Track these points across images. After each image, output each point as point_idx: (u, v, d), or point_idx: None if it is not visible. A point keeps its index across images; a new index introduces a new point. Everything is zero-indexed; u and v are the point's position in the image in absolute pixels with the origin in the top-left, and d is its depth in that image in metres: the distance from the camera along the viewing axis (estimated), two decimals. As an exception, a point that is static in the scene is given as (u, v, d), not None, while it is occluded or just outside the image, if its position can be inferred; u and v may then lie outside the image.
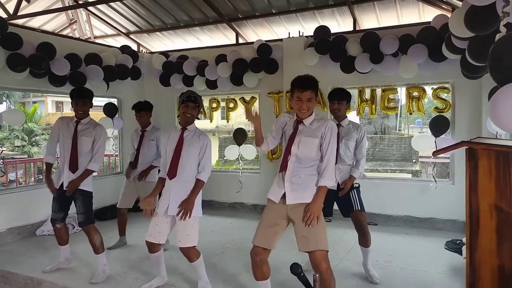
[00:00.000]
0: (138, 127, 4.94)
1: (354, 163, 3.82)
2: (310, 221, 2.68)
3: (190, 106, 3.36)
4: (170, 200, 3.30)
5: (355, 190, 3.78)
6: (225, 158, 15.64)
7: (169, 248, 4.52)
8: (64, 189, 3.85)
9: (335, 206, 3.86)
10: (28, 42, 5.09)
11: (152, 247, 3.45)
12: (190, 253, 3.39)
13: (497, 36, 2.41)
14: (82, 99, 3.86)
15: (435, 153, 2.82)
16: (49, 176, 3.96)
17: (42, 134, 19.87)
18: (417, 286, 3.63)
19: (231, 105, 6.96)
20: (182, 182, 3.33)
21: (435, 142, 5.19)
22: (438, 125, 5.23)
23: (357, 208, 3.71)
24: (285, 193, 2.82)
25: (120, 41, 7.77)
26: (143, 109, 4.78)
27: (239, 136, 6.50)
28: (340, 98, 3.82)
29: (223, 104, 7.24)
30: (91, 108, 4.01)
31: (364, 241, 3.73)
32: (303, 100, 2.77)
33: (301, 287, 1.73)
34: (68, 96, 4.05)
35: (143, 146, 4.82)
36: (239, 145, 6.51)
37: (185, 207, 3.28)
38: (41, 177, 10.47)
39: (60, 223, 4.04)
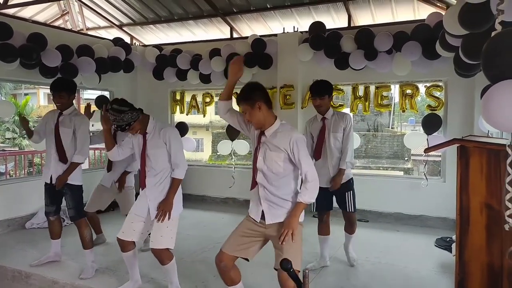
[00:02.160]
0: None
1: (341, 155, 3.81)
2: (283, 237, 2.43)
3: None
4: (149, 205, 3.18)
5: (351, 192, 3.84)
6: (218, 153, 15.62)
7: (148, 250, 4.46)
8: (53, 183, 3.80)
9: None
10: (18, 33, 5.01)
11: (124, 245, 3.26)
12: (162, 255, 3.19)
13: (493, 34, 2.41)
14: (57, 92, 3.76)
15: (427, 150, 2.83)
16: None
17: (34, 126, 19.62)
18: (407, 283, 3.66)
19: (225, 100, 6.91)
20: (156, 185, 3.17)
21: (427, 140, 5.21)
22: (431, 123, 5.25)
23: (350, 210, 3.86)
24: (263, 211, 2.61)
25: (113, 33, 7.68)
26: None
27: (232, 131, 6.48)
28: (321, 93, 3.74)
29: (216, 99, 7.20)
30: (73, 99, 3.92)
31: (349, 230, 3.99)
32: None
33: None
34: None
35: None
36: (232, 140, 6.49)
37: (163, 208, 3.12)
38: (31, 170, 10.40)
39: (54, 216, 4.02)
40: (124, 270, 3.90)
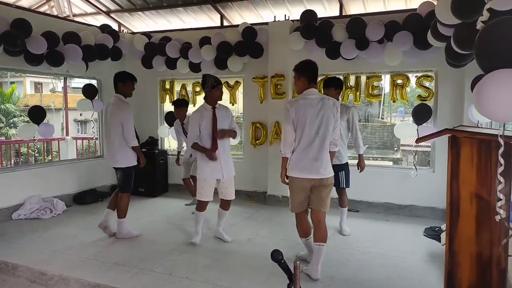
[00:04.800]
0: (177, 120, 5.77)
1: None
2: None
3: (221, 88, 4.25)
4: (223, 169, 4.19)
5: (343, 172, 4.61)
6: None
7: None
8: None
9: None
10: (1, 18, 4.87)
11: (205, 206, 4.31)
12: (229, 203, 4.46)
13: (479, 20, 2.39)
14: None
15: (418, 140, 2.82)
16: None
17: (20, 115, 19.28)
18: (396, 272, 3.68)
19: (215, 89, 6.83)
20: (225, 150, 4.24)
21: (417, 130, 5.22)
22: (421, 113, 5.25)
23: (342, 186, 4.66)
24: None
25: (100, 20, 7.51)
26: (183, 105, 5.71)
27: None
28: (328, 86, 4.45)
29: (206, 88, 7.11)
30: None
31: (341, 202, 4.75)
32: None
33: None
34: (47, 76, 3.90)
35: None
36: (222, 130, 6.43)
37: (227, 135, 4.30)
38: (18, 159, 10.22)
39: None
40: (112, 260, 3.87)
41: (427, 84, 5.43)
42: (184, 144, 5.85)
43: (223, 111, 4.30)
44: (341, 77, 5.86)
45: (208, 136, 4.19)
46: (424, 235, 4.72)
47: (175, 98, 7.06)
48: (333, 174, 3.55)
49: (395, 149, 18.45)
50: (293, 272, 1.65)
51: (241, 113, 6.88)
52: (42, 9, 7.29)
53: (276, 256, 1.67)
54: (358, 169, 4.73)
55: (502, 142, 1.86)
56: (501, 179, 1.87)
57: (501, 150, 1.87)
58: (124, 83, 4.43)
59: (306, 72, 3.52)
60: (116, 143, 4.37)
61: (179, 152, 5.97)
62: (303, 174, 3.45)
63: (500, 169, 1.87)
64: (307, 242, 3.73)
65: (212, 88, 4.17)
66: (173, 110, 5.86)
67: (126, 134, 4.33)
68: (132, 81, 4.49)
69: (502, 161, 1.87)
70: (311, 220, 3.64)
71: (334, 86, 4.39)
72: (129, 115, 4.36)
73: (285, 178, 3.62)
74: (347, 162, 4.66)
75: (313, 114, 3.42)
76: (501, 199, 1.86)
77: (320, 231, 3.52)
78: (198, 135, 4.23)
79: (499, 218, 1.85)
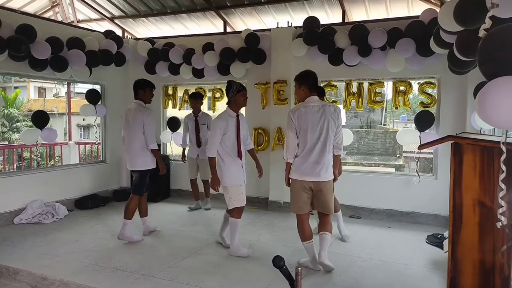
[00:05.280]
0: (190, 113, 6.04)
1: None
2: None
3: (245, 93, 4.17)
4: (244, 175, 4.20)
5: None
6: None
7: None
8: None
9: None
10: (7, 24, 4.90)
11: (242, 211, 4.21)
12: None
13: (482, 27, 2.39)
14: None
15: (421, 147, 2.81)
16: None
17: (24, 120, 19.37)
18: (398, 279, 3.66)
19: (218, 95, 6.86)
20: (244, 156, 4.28)
21: (419, 137, 5.22)
22: (423, 120, 5.25)
23: None
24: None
25: (104, 26, 7.57)
26: (199, 97, 5.96)
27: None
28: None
29: (209, 94, 7.14)
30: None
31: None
32: None
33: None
34: (51, 81, 3.96)
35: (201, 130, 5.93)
36: (225, 135, 6.44)
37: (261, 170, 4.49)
38: (21, 164, 10.24)
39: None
40: (114, 265, 3.86)
41: (429, 91, 5.43)
42: (189, 142, 6.09)
43: (242, 118, 4.27)
44: (344, 84, 5.89)
45: (233, 144, 4.13)
46: (426, 242, 4.69)
47: (177, 104, 7.13)
48: (332, 177, 3.76)
49: (398, 155, 18.41)
50: (294, 278, 1.65)
51: (244, 119, 6.88)
52: (47, 15, 7.36)
53: (278, 262, 1.67)
54: None
55: (504, 149, 1.86)
56: (503, 186, 1.86)
57: (503, 157, 1.87)
58: (144, 90, 4.68)
59: (307, 81, 3.73)
60: (137, 147, 4.57)
61: (184, 149, 6.08)
62: (304, 177, 3.64)
63: (502, 176, 1.87)
64: (309, 245, 3.77)
65: (237, 93, 4.09)
66: (176, 115, 5.99)
67: (147, 137, 4.54)
68: (151, 89, 4.76)
69: (504, 168, 1.86)
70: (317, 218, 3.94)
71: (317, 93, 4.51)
72: (151, 119, 4.60)
73: (289, 182, 3.80)
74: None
75: (315, 121, 3.61)
76: (502, 206, 1.86)
77: (326, 224, 3.79)
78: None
79: (500, 224, 1.84)
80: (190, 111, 6.18)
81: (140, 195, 4.68)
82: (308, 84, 3.72)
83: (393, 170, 16.24)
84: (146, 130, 4.52)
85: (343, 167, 4.24)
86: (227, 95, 4.22)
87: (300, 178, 3.64)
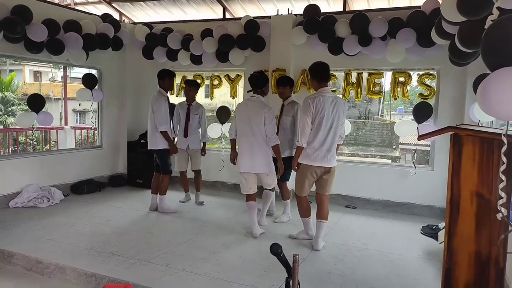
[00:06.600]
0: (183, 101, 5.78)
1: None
2: None
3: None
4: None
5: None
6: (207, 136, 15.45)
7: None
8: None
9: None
10: (2, 4, 4.81)
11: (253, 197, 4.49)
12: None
13: (489, 19, 2.36)
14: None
15: (421, 137, 2.80)
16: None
17: (19, 104, 19.18)
18: (393, 269, 3.68)
19: (216, 82, 6.79)
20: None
21: (417, 128, 5.21)
22: (422, 111, 5.24)
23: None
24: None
25: (102, 9, 7.45)
26: (194, 85, 5.76)
27: (223, 114, 6.39)
28: (284, 84, 4.92)
29: (207, 82, 7.07)
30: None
31: (282, 194, 5.07)
32: None
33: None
34: (46, 65, 3.92)
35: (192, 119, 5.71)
36: (222, 123, 6.41)
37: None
38: (16, 148, 10.18)
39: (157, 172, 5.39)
40: (109, 250, 3.86)
41: (428, 82, 5.40)
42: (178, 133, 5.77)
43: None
44: (343, 73, 5.84)
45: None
46: (421, 233, 4.72)
47: (175, 90, 7.03)
48: (336, 163, 4.06)
49: (394, 147, 18.46)
50: (291, 265, 1.65)
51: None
52: (43, -3, 7.21)
53: (275, 249, 1.66)
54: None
55: (505, 140, 1.85)
56: (503, 177, 1.85)
57: (503, 149, 1.86)
58: (163, 79, 5.22)
59: (315, 73, 4.05)
60: (151, 129, 5.17)
61: (174, 138, 5.51)
62: (316, 162, 3.95)
63: (502, 167, 1.86)
64: (307, 221, 4.27)
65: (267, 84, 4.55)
66: (173, 101, 5.81)
67: (156, 120, 5.05)
68: (171, 78, 5.33)
69: (504, 159, 1.86)
70: (315, 201, 4.19)
71: (289, 84, 4.96)
72: (161, 104, 5.08)
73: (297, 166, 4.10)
74: (290, 156, 4.62)
75: (329, 111, 3.92)
76: (502, 197, 1.85)
77: (322, 210, 4.09)
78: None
79: (501, 216, 1.84)
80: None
81: (169, 173, 5.27)
82: (316, 76, 4.03)
83: (389, 161, 16.31)
84: (155, 114, 5.05)
85: (340, 157, 4.35)
86: (257, 87, 4.47)
87: (312, 163, 3.94)
